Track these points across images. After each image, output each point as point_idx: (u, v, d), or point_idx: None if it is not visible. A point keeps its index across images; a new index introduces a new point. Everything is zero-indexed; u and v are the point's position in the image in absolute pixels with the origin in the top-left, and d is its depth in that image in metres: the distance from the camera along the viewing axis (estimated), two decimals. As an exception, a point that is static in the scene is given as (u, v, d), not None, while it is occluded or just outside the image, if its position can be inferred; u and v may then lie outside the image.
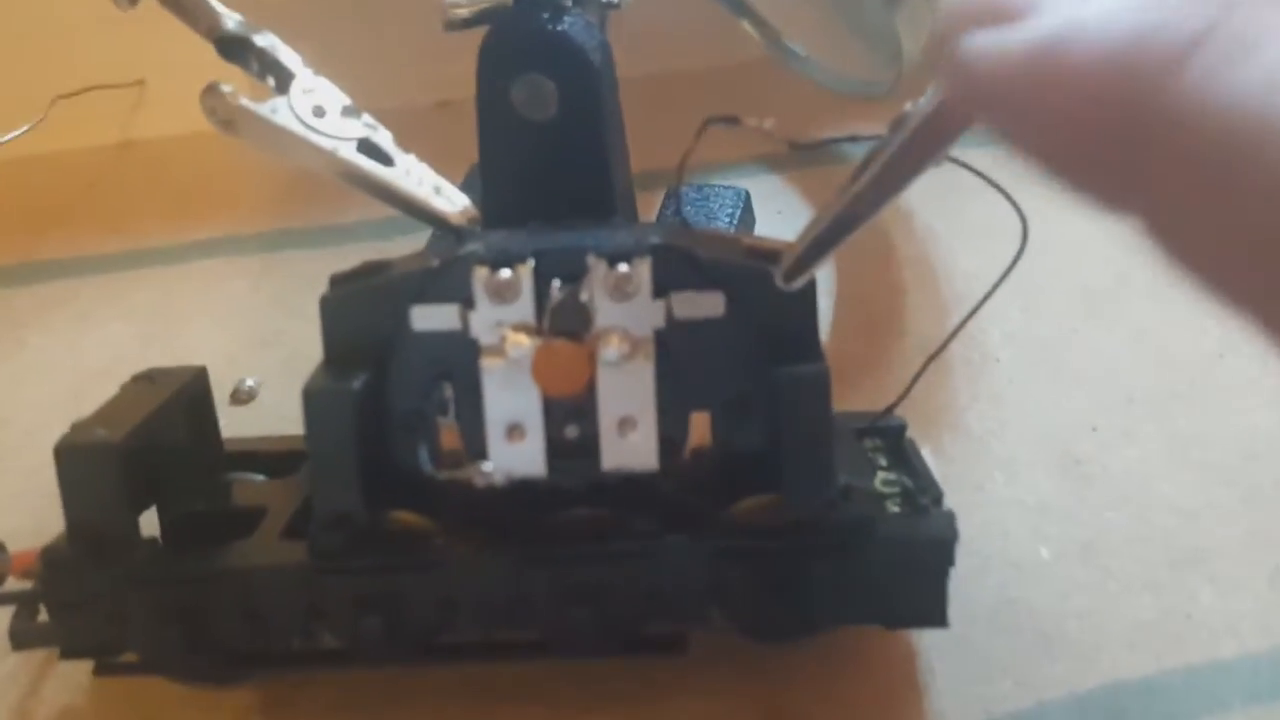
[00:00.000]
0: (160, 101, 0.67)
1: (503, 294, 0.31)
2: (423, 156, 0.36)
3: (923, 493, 0.34)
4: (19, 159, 0.65)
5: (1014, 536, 0.39)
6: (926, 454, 0.37)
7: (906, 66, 0.49)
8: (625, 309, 0.31)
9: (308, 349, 0.37)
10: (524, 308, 0.32)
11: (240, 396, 0.48)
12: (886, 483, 0.35)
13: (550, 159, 0.41)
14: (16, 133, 0.63)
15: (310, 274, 0.58)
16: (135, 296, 0.55)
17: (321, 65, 0.37)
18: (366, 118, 0.36)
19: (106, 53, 0.64)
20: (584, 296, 0.31)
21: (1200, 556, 0.38)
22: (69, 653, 0.34)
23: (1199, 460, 0.42)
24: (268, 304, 0.54)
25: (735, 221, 0.51)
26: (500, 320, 0.32)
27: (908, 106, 0.31)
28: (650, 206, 0.53)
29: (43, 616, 0.35)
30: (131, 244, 0.59)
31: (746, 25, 0.59)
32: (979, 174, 0.33)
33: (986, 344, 0.47)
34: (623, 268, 0.31)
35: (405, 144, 0.37)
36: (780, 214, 0.55)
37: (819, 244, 0.31)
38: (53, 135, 0.64)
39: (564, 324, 0.32)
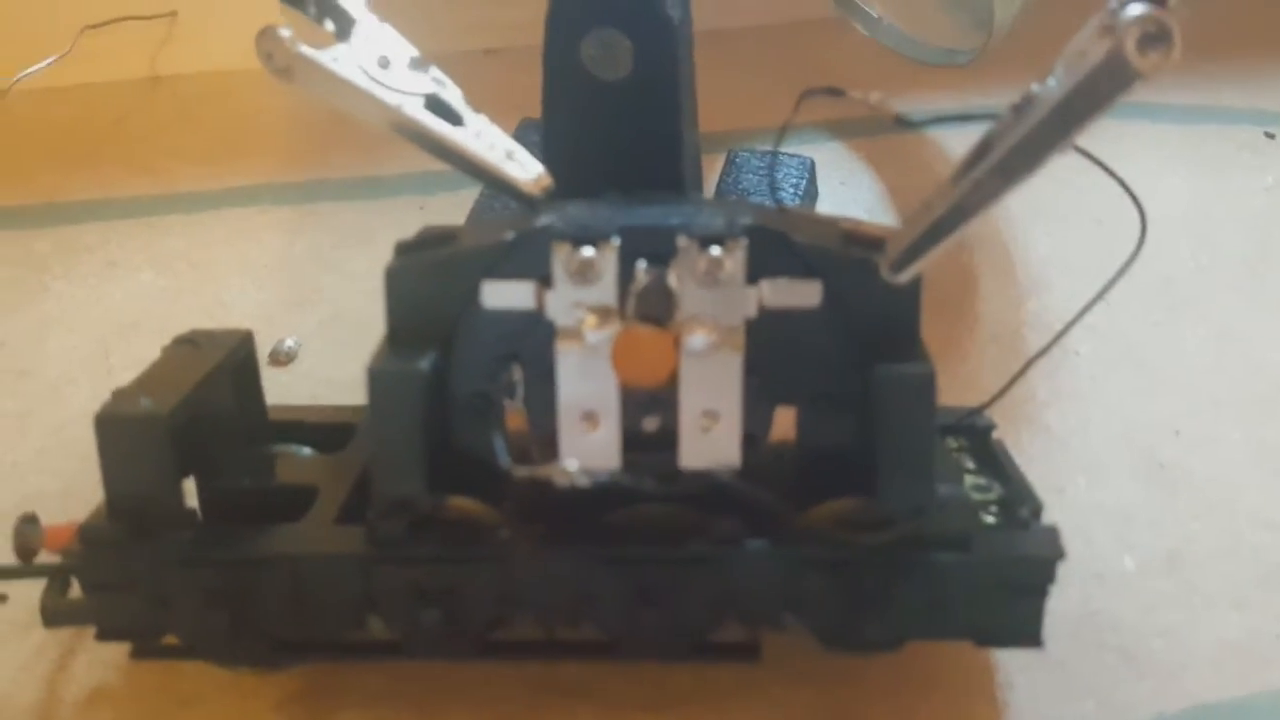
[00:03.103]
0: (192, 36, 0.63)
1: (584, 273, 0.29)
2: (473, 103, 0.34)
3: (1021, 503, 0.31)
4: (44, 90, 0.62)
5: (1097, 544, 0.37)
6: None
7: (996, 34, 0.46)
8: (715, 295, 0.29)
9: (349, 308, 0.35)
10: (606, 290, 0.29)
11: (279, 358, 0.46)
12: (977, 488, 0.33)
13: (621, 122, 0.39)
14: (42, 64, 0.60)
15: (349, 227, 0.56)
16: (165, 244, 0.53)
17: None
18: (435, 71, 0.34)
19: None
20: (671, 281, 0.29)
21: (1291, 574, 0.36)
22: (106, 634, 0.32)
23: (1289, 470, 0.40)
24: (305, 258, 0.52)
25: (800, 192, 0.49)
26: (579, 301, 0.29)
27: (1034, 88, 0.29)
28: (710, 172, 0.50)
29: (76, 590, 0.33)
30: (162, 187, 0.56)
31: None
32: (1100, 164, 0.31)
33: (1067, 336, 0.44)
34: (715, 251, 0.29)
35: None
36: (844, 184, 0.52)
37: (931, 234, 0.28)
38: (80, 67, 0.61)
39: (648, 309, 0.29)
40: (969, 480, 0.33)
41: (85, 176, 0.57)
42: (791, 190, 0.48)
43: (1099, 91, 0.27)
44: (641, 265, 0.29)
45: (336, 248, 0.52)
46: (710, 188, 0.49)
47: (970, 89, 0.55)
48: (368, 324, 0.32)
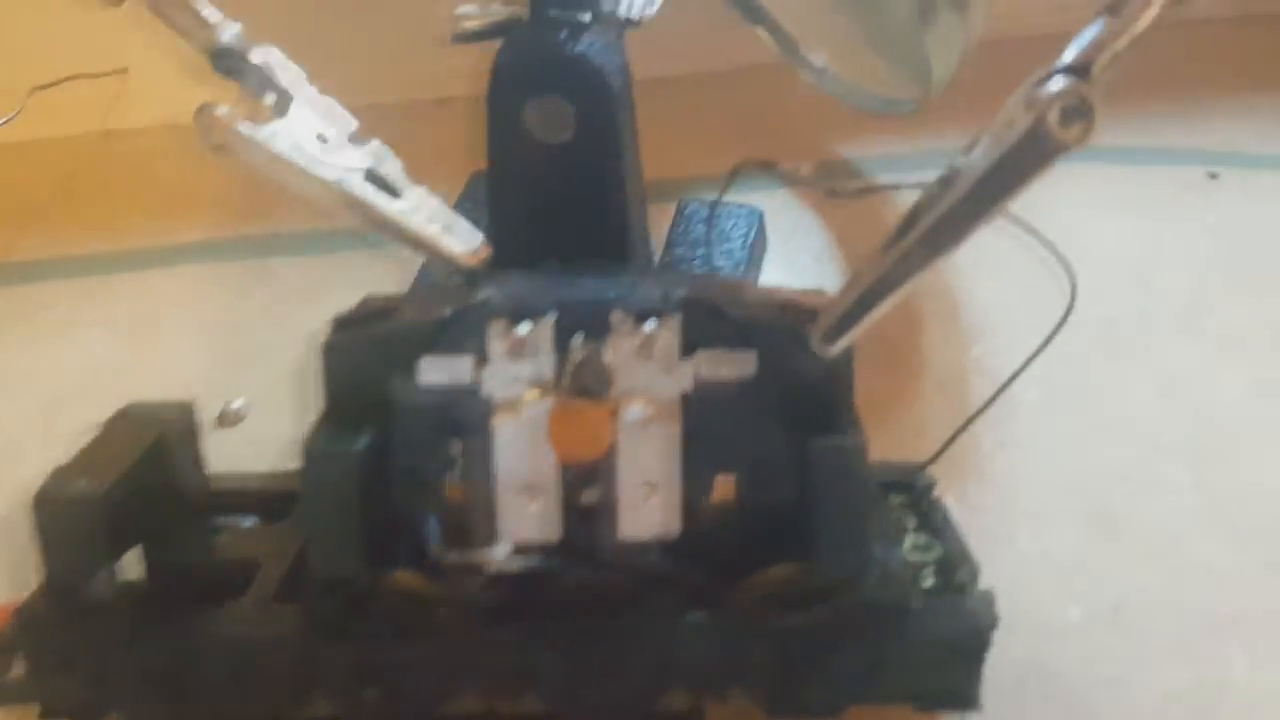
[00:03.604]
0: (144, 90, 0.63)
1: (520, 350, 0.29)
2: (421, 155, 0.34)
3: (958, 565, 0.32)
4: (-7, 148, 0.62)
5: (1042, 595, 0.38)
6: (951, 504, 0.36)
7: (935, 87, 0.46)
8: (650, 369, 0.29)
9: (298, 367, 0.34)
10: (542, 365, 0.29)
11: (228, 419, 0.45)
12: (917, 547, 0.33)
13: (565, 184, 0.39)
14: (-8, 123, 0.60)
15: (301, 283, 0.56)
16: (117, 304, 0.53)
17: (319, 58, 0.35)
18: (375, 144, 0.34)
19: (87, 39, 0.60)
20: (608, 355, 0.29)
21: (1235, 621, 0.37)
22: (50, 712, 0.32)
23: (1233, 517, 0.40)
24: (256, 315, 0.52)
25: (749, 243, 0.49)
26: (516, 376, 0.30)
27: (959, 160, 0.29)
28: (660, 222, 0.50)
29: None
30: (113, 244, 0.56)
31: (761, 33, 0.56)
32: (1032, 231, 0.31)
33: (1014, 383, 0.45)
34: (649, 326, 0.29)
35: (402, 143, 0.34)
36: (795, 231, 0.53)
37: (861, 304, 0.29)
38: (30, 125, 0.61)
39: (584, 384, 0.29)
40: (909, 540, 0.34)
41: (37, 234, 0.57)
42: (741, 240, 0.49)
43: (1023, 164, 0.27)
44: (577, 340, 0.29)
45: (287, 304, 0.52)
46: (660, 238, 0.50)
47: (918, 133, 0.55)
48: (317, 381, 0.31)
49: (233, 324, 0.51)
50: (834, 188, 0.31)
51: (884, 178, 0.49)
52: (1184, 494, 0.41)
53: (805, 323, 0.30)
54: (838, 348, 0.29)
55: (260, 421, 0.46)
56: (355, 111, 0.35)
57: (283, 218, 0.57)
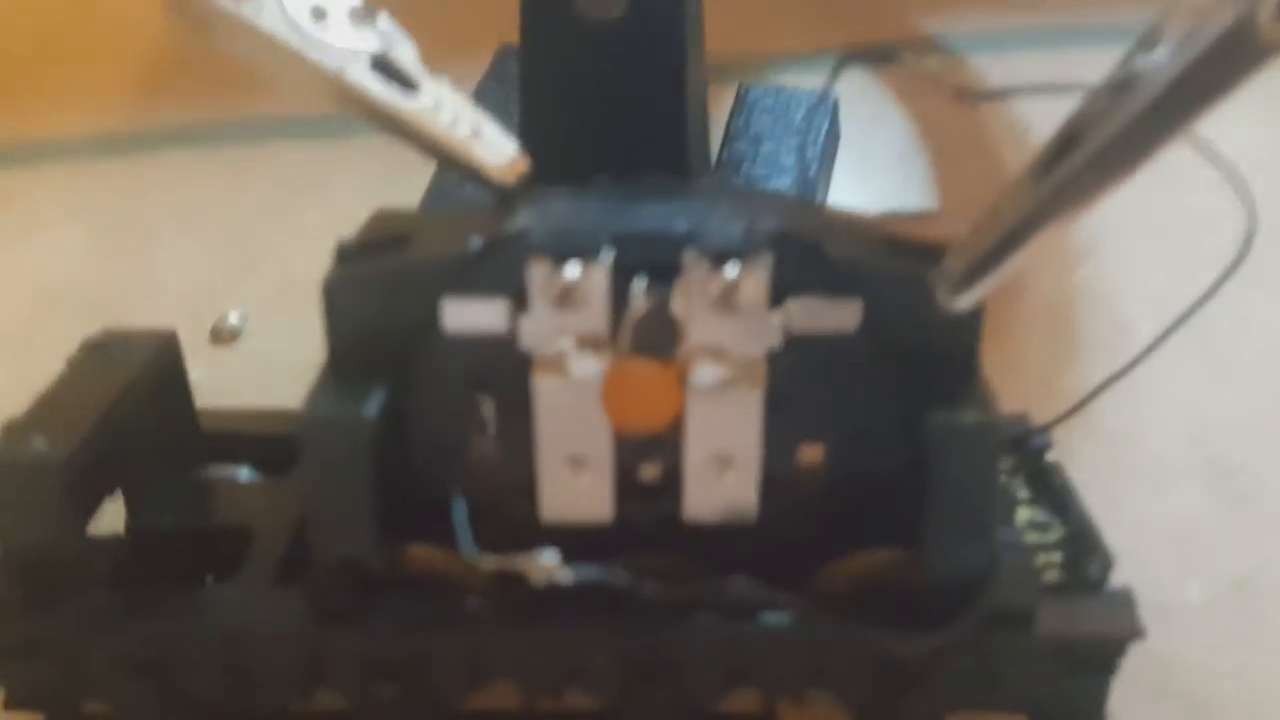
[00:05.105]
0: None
1: (569, 297, 0.23)
2: (433, 36, 0.28)
3: (1087, 553, 0.27)
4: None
5: (1158, 570, 0.33)
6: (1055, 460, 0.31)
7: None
8: (730, 323, 0.24)
9: (302, 272, 0.29)
10: (595, 315, 0.24)
11: (222, 335, 0.40)
12: (1034, 525, 0.28)
13: (614, 73, 0.33)
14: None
15: (303, 173, 0.50)
16: (94, 196, 0.46)
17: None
18: (384, 21, 0.27)
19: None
20: (676, 304, 0.24)
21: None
22: (14, 702, 0.28)
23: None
24: (253, 212, 0.45)
25: (821, 137, 0.42)
26: (563, 328, 0.24)
27: (1138, 60, 0.23)
28: (717, 110, 0.44)
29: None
30: (89, 125, 0.49)
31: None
32: (1211, 157, 0.25)
33: (1123, 309, 0.39)
34: (731, 271, 0.23)
35: (410, 20, 0.28)
36: (874, 119, 0.46)
37: (1004, 245, 0.23)
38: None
39: (648, 340, 0.24)
40: (1023, 515, 0.29)
41: (2, 111, 0.50)
42: (813, 135, 0.42)
43: (1222, 70, 0.21)
44: (640, 285, 0.24)
45: (288, 197, 0.46)
46: (718, 130, 0.43)
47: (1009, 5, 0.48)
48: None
49: (225, 220, 0.45)
50: (967, 89, 0.24)
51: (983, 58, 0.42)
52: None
53: (925, 265, 0.24)
54: (969, 300, 0.23)
55: (259, 338, 0.40)
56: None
57: (282, 96, 0.50)
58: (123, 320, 0.31)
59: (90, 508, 0.27)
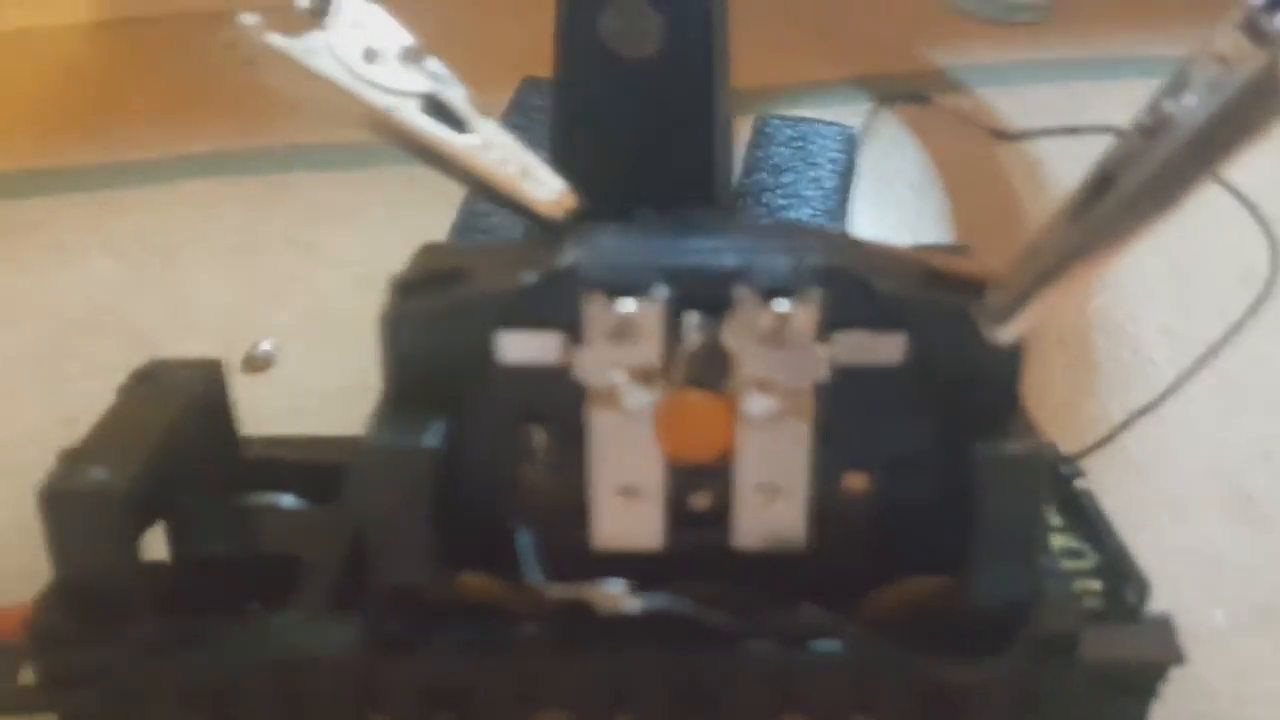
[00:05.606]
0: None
1: (623, 331, 0.24)
2: (457, 59, 0.28)
3: (1123, 579, 0.27)
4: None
5: (1183, 595, 0.33)
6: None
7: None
8: (779, 355, 0.24)
9: (331, 300, 0.30)
10: (649, 349, 0.24)
11: (255, 364, 0.40)
12: (1069, 553, 0.29)
13: (646, 109, 0.34)
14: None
15: (329, 203, 0.50)
16: (119, 223, 0.47)
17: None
18: (434, 64, 0.28)
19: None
20: (726, 339, 0.24)
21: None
22: (66, 729, 0.28)
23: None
24: (280, 240, 0.46)
25: (840, 170, 0.43)
26: (616, 361, 0.24)
27: (1166, 104, 0.24)
28: (735, 141, 0.44)
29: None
30: (115, 153, 0.50)
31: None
32: (1234, 193, 0.26)
33: (1140, 339, 0.40)
34: (781, 306, 0.24)
35: (434, 42, 0.29)
36: (887, 155, 0.47)
37: (1043, 281, 0.23)
38: (20, 9, 0.54)
39: (700, 373, 0.24)
40: (1056, 542, 0.29)
41: (25, 141, 0.51)
42: (830, 167, 0.43)
43: (1251, 116, 0.22)
44: (692, 320, 0.24)
45: (314, 226, 0.47)
46: (737, 161, 0.44)
47: (1022, 44, 0.49)
48: (353, 318, 0.27)
49: (251, 248, 0.46)
50: (1002, 130, 0.25)
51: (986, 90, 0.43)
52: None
53: (970, 299, 0.24)
54: (1012, 333, 0.24)
55: (291, 365, 0.41)
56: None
57: (306, 125, 0.51)
58: (154, 349, 0.32)
59: (141, 532, 0.27)
